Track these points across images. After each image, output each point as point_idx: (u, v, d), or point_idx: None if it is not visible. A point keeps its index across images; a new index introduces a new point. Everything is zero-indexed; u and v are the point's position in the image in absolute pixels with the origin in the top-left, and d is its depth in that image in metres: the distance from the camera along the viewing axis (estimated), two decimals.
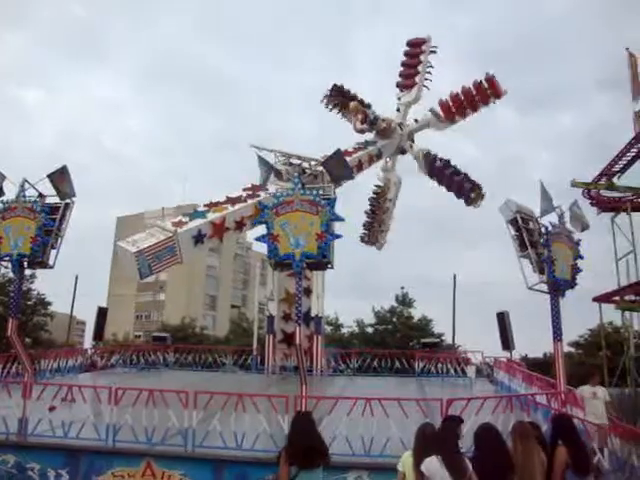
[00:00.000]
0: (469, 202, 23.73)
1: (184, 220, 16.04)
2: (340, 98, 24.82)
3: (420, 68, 24.73)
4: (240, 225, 16.93)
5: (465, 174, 23.45)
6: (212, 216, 16.44)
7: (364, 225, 25.77)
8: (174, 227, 15.47)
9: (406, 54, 25.30)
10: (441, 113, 23.28)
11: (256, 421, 10.32)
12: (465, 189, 23.34)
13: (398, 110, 24.56)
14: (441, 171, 23.49)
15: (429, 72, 24.88)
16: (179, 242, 15.16)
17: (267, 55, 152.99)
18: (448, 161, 23.43)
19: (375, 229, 25.52)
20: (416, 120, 24.54)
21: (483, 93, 22.87)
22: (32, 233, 12.05)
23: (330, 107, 25.22)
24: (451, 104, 23.12)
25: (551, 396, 12.28)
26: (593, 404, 11.75)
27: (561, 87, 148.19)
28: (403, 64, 25.18)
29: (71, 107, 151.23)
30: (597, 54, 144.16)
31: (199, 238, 15.90)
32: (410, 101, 24.64)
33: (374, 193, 25.16)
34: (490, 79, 22.63)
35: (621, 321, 32.52)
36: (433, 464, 5.22)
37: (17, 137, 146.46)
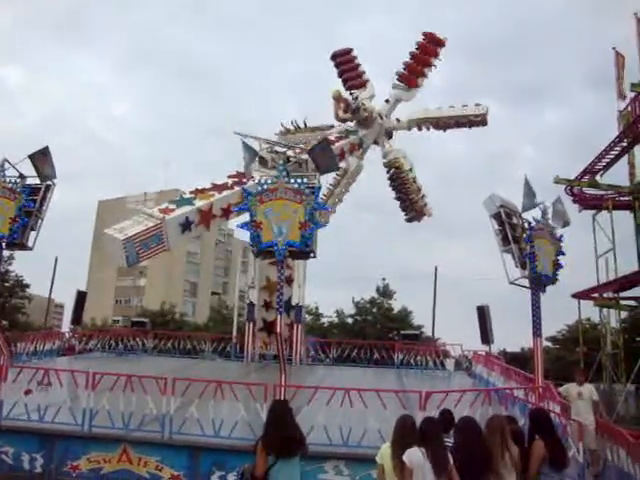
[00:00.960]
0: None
1: (171, 207, 15.84)
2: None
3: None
4: (226, 212, 16.77)
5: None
6: (199, 203, 16.26)
7: (402, 208, 24.92)
8: (161, 214, 15.29)
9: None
10: (403, 83, 24.08)
11: (234, 409, 10.29)
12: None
13: (387, 101, 24.43)
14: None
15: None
16: (167, 229, 14.99)
17: (252, 41, 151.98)
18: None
19: (414, 201, 24.67)
20: (398, 120, 24.57)
21: (428, 49, 24.14)
22: (11, 214, 11.83)
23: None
24: (407, 72, 24.08)
25: (529, 390, 12.37)
26: (577, 405, 11.75)
27: (548, 83, 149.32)
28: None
29: (54, 89, 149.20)
30: (584, 51, 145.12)
31: (186, 225, 15.73)
32: (403, 99, 24.44)
33: (390, 178, 24.56)
34: (427, 34, 24.19)
35: (599, 318, 32.99)
36: (416, 455, 5.22)
37: None
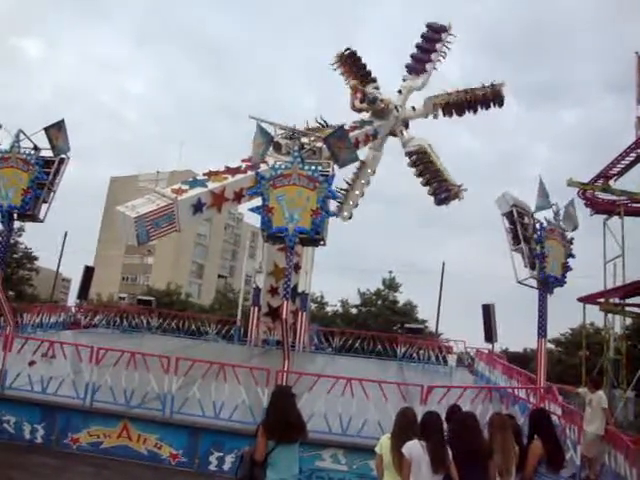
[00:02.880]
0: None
1: (184, 188, 15.81)
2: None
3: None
4: (239, 196, 16.74)
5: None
6: (212, 185, 16.23)
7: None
8: (174, 194, 15.27)
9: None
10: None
11: (236, 392, 10.36)
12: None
13: (400, 92, 24.33)
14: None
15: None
16: (178, 210, 14.97)
17: (270, 24, 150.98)
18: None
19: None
20: (413, 108, 24.46)
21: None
22: (24, 185, 11.89)
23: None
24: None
25: (530, 391, 12.38)
26: (586, 411, 11.65)
27: (568, 84, 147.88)
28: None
29: (72, 62, 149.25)
30: (605, 54, 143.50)
31: (198, 207, 15.72)
32: (415, 87, 24.47)
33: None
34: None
35: (603, 323, 32.86)
36: (416, 448, 5.22)
37: (14, 89, 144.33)
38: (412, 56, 24.73)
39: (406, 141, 24.10)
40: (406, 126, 24.48)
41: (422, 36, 24.78)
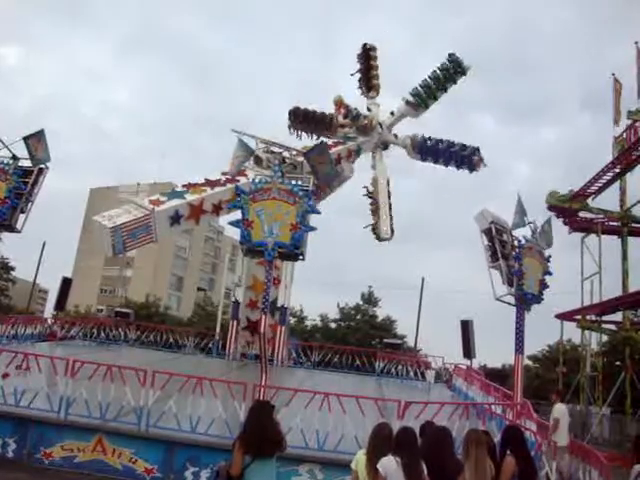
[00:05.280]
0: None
1: (162, 199, 15.82)
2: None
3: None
4: (217, 209, 16.76)
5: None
6: (190, 197, 16.24)
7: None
8: (151, 205, 15.25)
9: (442, 70, 23.92)
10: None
11: (213, 406, 10.29)
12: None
13: (392, 114, 24.34)
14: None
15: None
16: (155, 221, 14.96)
17: (256, 36, 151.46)
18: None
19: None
20: (392, 113, 24.51)
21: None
22: (1, 195, 11.81)
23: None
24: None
25: (507, 407, 12.44)
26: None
27: (546, 102, 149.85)
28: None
29: (53, 70, 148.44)
30: (583, 73, 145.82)
31: (176, 219, 15.72)
32: (409, 114, 24.11)
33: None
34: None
35: (580, 339, 33.21)
36: (391, 464, 5.22)
37: None
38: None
39: (403, 142, 24.15)
40: (385, 147, 24.53)
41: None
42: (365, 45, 24.61)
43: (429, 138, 23.54)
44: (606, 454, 9.83)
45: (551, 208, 32.14)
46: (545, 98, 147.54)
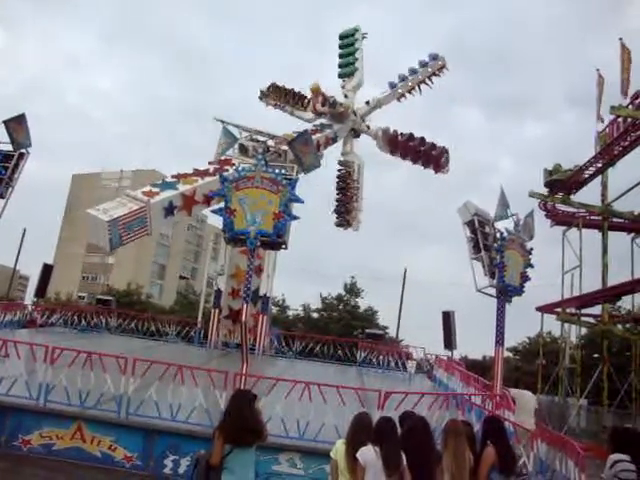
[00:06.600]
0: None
1: (154, 190, 15.58)
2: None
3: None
4: (208, 199, 16.59)
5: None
6: (183, 188, 16.06)
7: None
8: (146, 197, 15.02)
9: (340, 46, 25.94)
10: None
11: (193, 394, 10.26)
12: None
13: (346, 97, 24.57)
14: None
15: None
16: (150, 213, 14.76)
17: (242, 27, 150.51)
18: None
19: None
20: (367, 102, 24.83)
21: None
22: None
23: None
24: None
25: (486, 397, 12.55)
26: None
27: (531, 97, 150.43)
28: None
29: (35, 55, 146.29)
30: (567, 69, 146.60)
31: (170, 210, 15.54)
32: (354, 86, 24.92)
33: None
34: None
35: (560, 332, 33.58)
36: (370, 453, 5.24)
37: None
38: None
39: (346, 152, 24.63)
40: (356, 136, 24.79)
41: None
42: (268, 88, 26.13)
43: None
44: (583, 444, 9.94)
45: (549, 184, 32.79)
46: (527, 93, 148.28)
